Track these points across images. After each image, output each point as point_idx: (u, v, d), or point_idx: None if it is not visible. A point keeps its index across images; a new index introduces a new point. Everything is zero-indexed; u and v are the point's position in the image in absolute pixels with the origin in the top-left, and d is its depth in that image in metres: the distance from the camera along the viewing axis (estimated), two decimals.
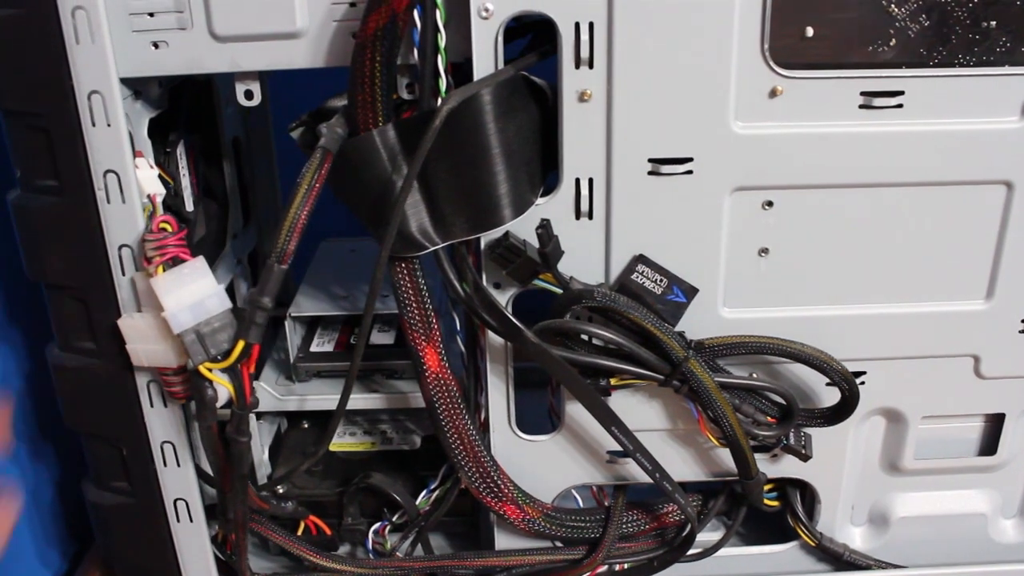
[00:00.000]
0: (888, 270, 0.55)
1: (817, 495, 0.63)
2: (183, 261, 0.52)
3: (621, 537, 0.62)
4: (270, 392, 0.63)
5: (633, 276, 0.54)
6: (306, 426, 0.72)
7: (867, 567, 0.65)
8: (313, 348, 0.66)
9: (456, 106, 0.47)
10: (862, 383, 0.58)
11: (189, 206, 0.62)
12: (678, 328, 0.55)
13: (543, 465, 0.61)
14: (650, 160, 0.51)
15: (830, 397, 0.58)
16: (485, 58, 0.49)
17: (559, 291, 0.53)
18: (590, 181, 0.52)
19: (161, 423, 0.58)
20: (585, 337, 0.54)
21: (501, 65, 0.49)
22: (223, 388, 0.52)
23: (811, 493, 0.63)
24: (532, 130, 0.52)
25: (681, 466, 0.61)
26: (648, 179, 0.52)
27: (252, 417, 0.59)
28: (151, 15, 0.49)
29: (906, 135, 0.52)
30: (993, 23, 0.50)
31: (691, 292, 0.54)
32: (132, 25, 0.49)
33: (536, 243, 0.52)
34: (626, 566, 0.63)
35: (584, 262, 0.54)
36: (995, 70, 0.51)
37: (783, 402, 0.56)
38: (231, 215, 0.70)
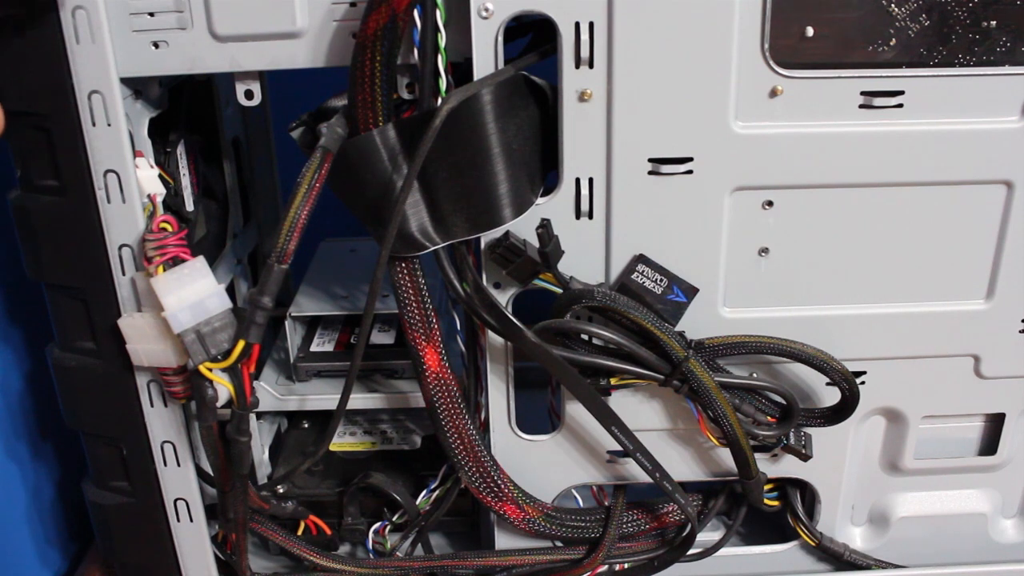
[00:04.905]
0: (888, 270, 0.55)
1: (817, 495, 0.63)
2: (183, 261, 0.52)
3: (621, 537, 0.62)
4: (270, 392, 0.63)
5: (633, 276, 0.54)
6: (306, 426, 0.72)
7: (867, 567, 0.65)
8: (313, 348, 0.66)
9: (456, 106, 0.47)
10: (862, 383, 0.58)
11: (189, 206, 0.62)
12: (678, 328, 0.55)
13: (543, 465, 0.61)
14: (650, 160, 0.51)
15: (830, 397, 0.58)
16: (485, 58, 0.49)
17: (559, 291, 0.53)
18: (590, 181, 0.52)
19: (161, 423, 0.58)
20: (585, 337, 0.54)
21: (501, 65, 0.49)
22: (223, 388, 0.52)
23: (811, 493, 0.63)
24: (532, 130, 0.52)
25: (681, 466, 0.61)
26: (648, 179, 0.52)
27: (252, 417, 0.59)
28: (151, 15, 0.49)
29: (906, 135, 0.52)
30: (993, 23, 0.50)
31: (691, 292, 0.54)
32: (132, 25, 0.49)
33: (536, 243, 0.52)
34: (626, 566, 0.63)
35: (584, 262, 0.54)
36: (995, 70, 0.51)
37: (783, 402, 0.56)
38: (231, 215, 0.70)
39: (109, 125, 0.50)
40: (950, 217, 0.54)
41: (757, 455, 0.59)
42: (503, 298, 0.55)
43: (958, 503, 0.64)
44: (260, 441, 0.68)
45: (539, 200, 0.53)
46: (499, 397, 0.58)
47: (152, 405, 0.57)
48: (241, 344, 0.51)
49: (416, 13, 0.47)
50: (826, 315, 0.56)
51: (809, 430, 0.60)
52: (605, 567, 0.63)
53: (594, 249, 0.54)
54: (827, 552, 0.64)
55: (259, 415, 0.67)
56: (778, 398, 0.57)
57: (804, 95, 0.51)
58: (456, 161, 0.49)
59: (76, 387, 0.58)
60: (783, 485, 0.64)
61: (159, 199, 0.53)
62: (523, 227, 0.52)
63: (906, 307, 0.56)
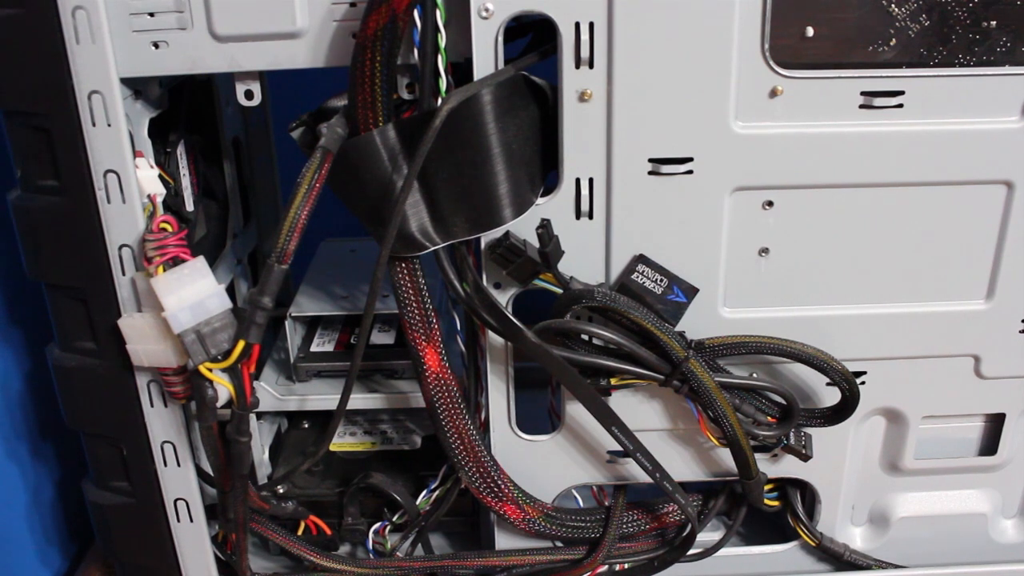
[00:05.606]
0: (888, 270, 0.55)
1: (817, 495, 0.63)
2: (183, 261, 0.52)
3: (621, 537, 0.62)
4: (270, 392, 0.63)
5: (633, 276, 0.54)
6: (306, 426, 0.72)
7: (867, 567, 0.65)
8: (313, 348, 0.66)
9: (456, 106, 0.47)
10: (862, 383, 0.58)
11: (189, 206, 0.62)
12: (678, 328, 0.55)
13: (543, 465, 0.61)
14: (650, 160, 0.51)
15: (830, 397, 0.58)
16: (485, 58, 0.49)
17: (559, 291, 0.53)
18: (590, 181, 0.52)
19: (161, 423, 0.58)
20: (585, 337, 0.54)
21: (501, 65, 0.49)
22: (223, 388, 0.52)
23: (811, 493, 0.63)
24: (532, 130, 0.52)
25: (681, 466, 0.61)
26: (648, 179, 0.52)
27: (252, 417, 0.59)
28: (151, 15, 0.49)
29: (906, 135, 0.52)
30: (993, 23, 0.50)
31: (691, 292, 0.54)
32: (132, 25, 0.49)
33: (536, 243, 0.52)
34: (626, 566, 0.63)
35: (584, 262, 0.54)
36: (995, 70, 0.51)
37: (783, 402, 0.56)
38: (231, 215, 0.70)
39: (109, 125, 0.50)
40: (950, 217, 0.54)
41: (757, 455, 0.58)
42: (503, 298, 0.55)
43: (958, 503, 0.64)
44: (260, 441, 0.68)
45: (539, 200, 0.53)
46: (499, 397, 0.58)
47: (152, 405, 0.57)
48: (241, 344, 0.51)
49: (416, 13, 0.47)
50: (826, 315, 0.56)
51: (809, 430, 0.60)
52: (605, 567, 0.63)
53: (594, 249, 0.54)
54: (827, 552, 0.64)
55: (259, 415, 0.67)
56: (778, 398, 0.57)
57: (804, 95, 0.51)
58: (456, 161, 0.49)
59: (76, 387, 0.58)
60: (783, 485, 0.64)
61: (159, 199, 0.53)
62: (523, 227, 0.52)
63: (906, 307, 0.56)
